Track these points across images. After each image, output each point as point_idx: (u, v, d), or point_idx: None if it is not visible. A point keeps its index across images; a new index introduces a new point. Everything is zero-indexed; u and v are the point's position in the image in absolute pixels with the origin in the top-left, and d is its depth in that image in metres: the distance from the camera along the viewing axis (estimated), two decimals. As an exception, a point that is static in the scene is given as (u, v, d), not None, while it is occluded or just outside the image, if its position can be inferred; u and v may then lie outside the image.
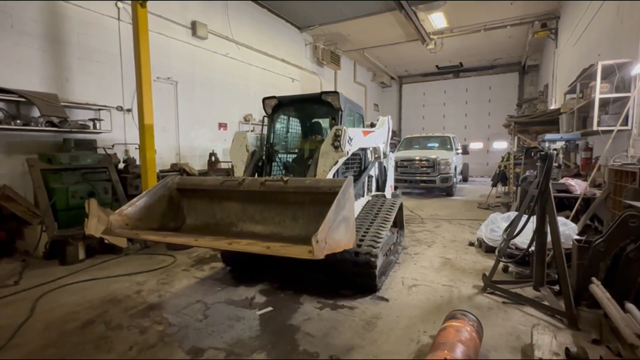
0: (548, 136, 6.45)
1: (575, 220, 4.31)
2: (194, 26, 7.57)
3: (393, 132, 7.61)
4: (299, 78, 11.42)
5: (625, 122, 4.50)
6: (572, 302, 2.69)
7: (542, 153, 3.09)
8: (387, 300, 3.25)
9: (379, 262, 3.39)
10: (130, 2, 5.35)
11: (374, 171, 4.94)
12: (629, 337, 2.07)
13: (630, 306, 2.34)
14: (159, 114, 6.28)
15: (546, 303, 2.96)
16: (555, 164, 5.15)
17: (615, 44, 5.38)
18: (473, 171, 16.49)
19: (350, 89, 14.94)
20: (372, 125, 5.06)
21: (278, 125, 4.39)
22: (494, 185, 9.42)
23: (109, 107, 5.91)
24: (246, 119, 9.08)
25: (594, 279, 2.75)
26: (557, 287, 3.18)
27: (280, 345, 2.50)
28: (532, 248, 3.24)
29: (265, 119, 4.29)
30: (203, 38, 7.80)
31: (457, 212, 7.82)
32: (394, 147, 11.04)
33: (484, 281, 3.43)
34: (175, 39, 7.21)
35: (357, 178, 4.23)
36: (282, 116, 4.43)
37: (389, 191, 5.73)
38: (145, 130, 5.24)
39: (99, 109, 5.75)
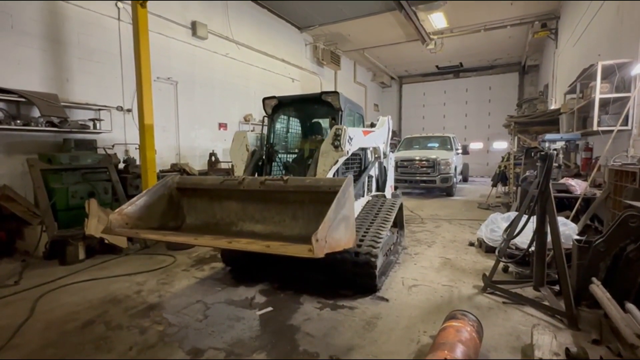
0: (548, 136, 6.45)
1: (575, 220, 4.31)
2: (194, 26, 7.57)
3: (393, 132, 7.61)
4: (299, 78, 11.42)
5: (626, 122, 4.50)
6: (572, 302, 2.69)
7: (542, 153, 3.09)
8: (387, 300, 3.25)
9: (379, 262, 3.39)
10: (130, 2, 5.35)
11: (374, 171, 4.94)
12: (629, 337, 2.07)
13: (630, 306, 2.34)
14: (159, 114, 6.28)
15: (546, 303, 2.96)
16: (555, 164, 5.16)
17: (615, 44, 5.38)
18: (473, 171, 16.49)
19: (350, 89, 14.94)
20: (372, 125, 5.05)
21: (278, 125, 4.38)
22: (494, 185, 9.42)
23: (109, 107, 5.91)
24: (246, 119, 9.08)
25: (594, 279, 2.75)
26: (557, 287, 3.17)
27: (280, 346, 2.50)
28: (532, 248, 3.24)
29: (265, 119, 4.29)
30: (203, 38, 7.81)
31: (457, 212, 7.82)
32: (394, 147, 11.04)
33: (484, 281, 3.43)
34: (175, 39, 7.21)
35: (357, 178, 4.23)
36: (282, 116, 4.43)
37: (389, 191, 5.73)
38: (145, 130, 5.24)
39: (99, 109, 5.75)
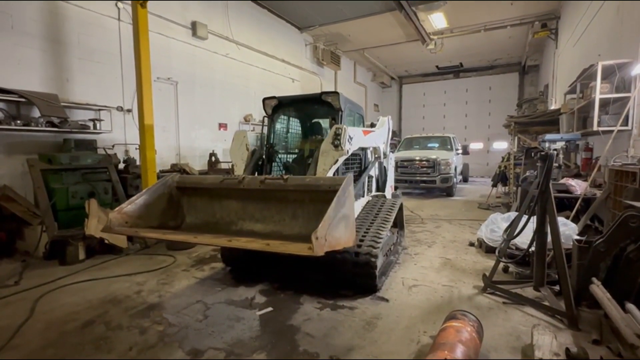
0: (548, 136, 6.45)
1: (575, 220, 4.31)
2: (194, 26, 7.57)
3: (393, 132, 7.61)
4: (299, 78, 11.42)
5: (626, 122, 4.50)
6: (573, 303, 2.69)
7: (542, 153, 3.09)
8: (387, 300, 3.25)
9: (379, 263, 3.39)
10: (130, 2, 5.35)
11: (374, 171, 4.94)
12: (629, 337, 2.07)
13: (630, 306, 2.34)
14: (159, 114, 6.28)
15: (546, 303, 2.96)
16: (555, 164, 5.16)
17: (616, 44, 5.38)
18: (473, 171, 16.48)
19: (350, 89, 14.95)
20: (372, 125, 5.05)
21: (278, 126, 4.38)
22: (494, 185, 9.42)
23: (109, 107, 5.91)
24: (246, 119, 9.08)
25: (594, 279, 2.74)
26: (557, 288, 3.17)
27: (280, 346, 2.50)
28: (533, 248, 3.24)
29: (265, 119, 4.29)
30: (203, 38, 7.81)
31: (457, 212, 7.82)
32: (394, 147, 11.04)
33: (484, 281, 3.43)
34: (175, 39, 7.21)
35: (357, 178, 4.23)
36: (282, 116, 4.43)
37: (389, 191, 5.72)
38: (145, 131, 5.24)
39: (99, 109, 5.75)
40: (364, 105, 15.45)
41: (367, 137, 4.26)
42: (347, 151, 3.43)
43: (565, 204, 4.96)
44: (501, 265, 3.75)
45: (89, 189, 4.93)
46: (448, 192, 10.30)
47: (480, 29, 11.16)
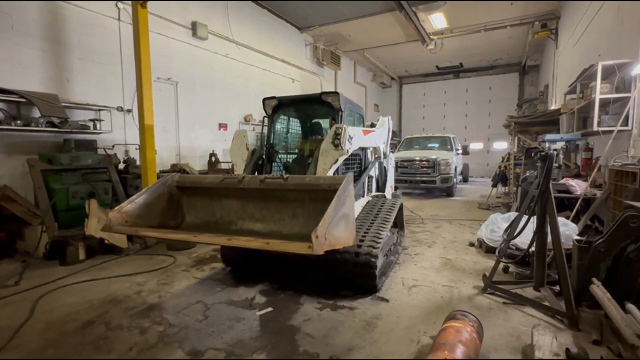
0: (548, 136, 6.45)
1: (575, 220, 4.31)
2: (194, 27, 7.58)
3: (393, 132, 7.61)
4: (299, 78, 11.43)
5: (626, 122, 4.50)
6: (573, 303, 2.69)
7: (543, 153, 3.09)
8: (387, 300, 3.25)
9: (379, 263, 3.39)
10: (130, 2, 5.35)
11: (374, 171, 4.94)
12: (629, 337, 2.07)
13: (630, 307, 2.34)
14: (159, 115, 6.28)
15: (546, 303, 2.95)
16: (555, 165, 5.15)
17: (616, 44, 5.38)
18: (473, 171, 16.48)
19: (350, 89, 14.95)
20: (373, 125, 5.05)
21: (278, 126, 4.38)
22: (494, 185, 9.42)
23: (110, 107, 5.91)
24: (246, 120, 9.09)
25: (594, 279, 2.74)
26: (557, 288, 3.17)
27: (280, 346, 2.50)
28: (533, 248, 3.24)
29: (266, 119, 4.29)
30: (203, 38, 7.81)
31: (457, 212, 7.81)
32: (394, 147, 11.04)
33: (485, 282, 3.42)
34: (175, 40, 7.22)
35: (357, 178, 4.22)
36: (282, 116, 4.43)
37: (389, 191, 5.72)
38: (145, 131, 5.24)
39: (100, 110, 5.75)
40: (364, 106, 15.45)
41: (367, 137, 4.26)
42: (347, 151, 3.43)
43: (565, 204, 4.96)
44: (501, 265, 3.75)
45: (89, 189, 4.93)
46: (448, 192, 10.30)
47: (480, 29, 11.17)
